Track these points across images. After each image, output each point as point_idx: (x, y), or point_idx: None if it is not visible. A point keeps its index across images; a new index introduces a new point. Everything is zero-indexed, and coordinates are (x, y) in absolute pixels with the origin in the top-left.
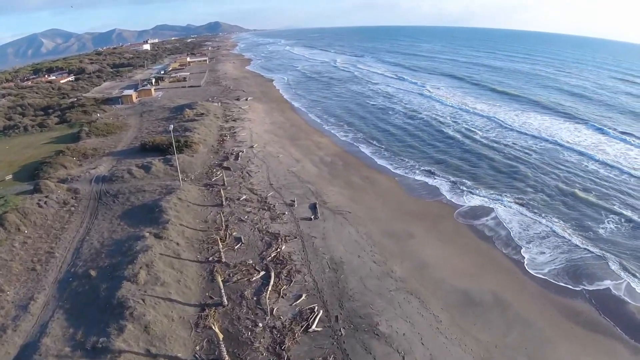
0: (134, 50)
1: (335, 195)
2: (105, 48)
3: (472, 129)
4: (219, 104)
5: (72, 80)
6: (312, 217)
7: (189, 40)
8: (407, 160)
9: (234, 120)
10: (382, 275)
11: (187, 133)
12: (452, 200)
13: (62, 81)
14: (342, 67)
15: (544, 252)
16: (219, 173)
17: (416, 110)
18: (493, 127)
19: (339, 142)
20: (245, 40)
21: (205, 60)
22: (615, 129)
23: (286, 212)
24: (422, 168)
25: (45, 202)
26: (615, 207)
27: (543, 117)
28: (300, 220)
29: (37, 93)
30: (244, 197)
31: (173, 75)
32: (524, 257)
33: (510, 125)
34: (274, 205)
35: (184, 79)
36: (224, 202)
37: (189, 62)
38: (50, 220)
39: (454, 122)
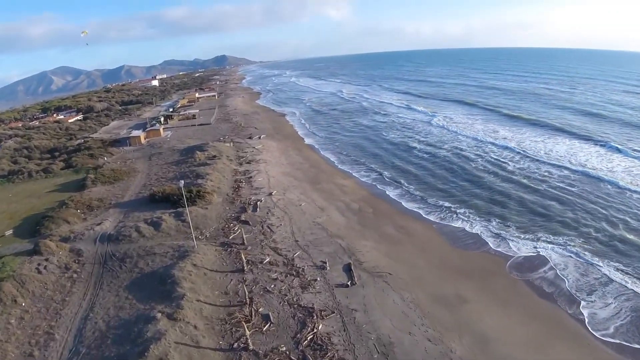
0: (142, 87)
1: (370, 252)
2: (114, 85)
3: (499, 162)
4: (231, 143)
5: (80, 120)
6: (348, 282)
7: (197, 74)
8: (438, 202)
9: (248, 163)
10: (440, 357)
11: (199, 180)
12: (500, 249)
13: (70, 120)
14: (350, 98)
15: (608, 305)
16: (236, 229)
17: (434, 144)
18: (519, 158)
19: (363, 184)
20: (253, 72)
21: (214, 96)
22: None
23: (318, 278)
24: (457, 212)
25: (45, 267)
26: None
27: (569, 141)
28: (335, 287)
29: (44, 134)
30: (268, 259)
31: (182, 112)
32: (584, 315)
33: (537, 156)
34: (303, 269)
35: (194, 117)
36: (245, 267)
37: (197, 98)
38: (50, 290)
39: (477, 155)
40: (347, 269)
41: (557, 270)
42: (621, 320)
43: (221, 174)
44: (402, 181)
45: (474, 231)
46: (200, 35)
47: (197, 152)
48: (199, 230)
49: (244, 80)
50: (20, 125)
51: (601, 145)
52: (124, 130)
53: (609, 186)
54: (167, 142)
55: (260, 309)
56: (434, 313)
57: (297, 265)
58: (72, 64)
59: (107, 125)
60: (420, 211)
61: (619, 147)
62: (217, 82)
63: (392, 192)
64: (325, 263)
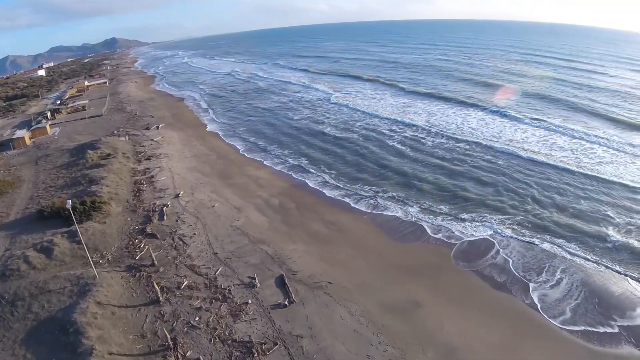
0: (28, 78)
1: (302, 258)
2: None
3: (415, 141)
4: (127, 137)
5: None
6: (285, 302)
7: (86, 60)
8: (364, 189)
9: (147, 159)
10: None
11: (93, 187)
12: (440, 237)
13: None
14: (247, 78)
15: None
16: (143, 246)
17: (343, 124)
18: (433, 135)
19: (279, 174)
20: (145, 54)
21: (105, 83)
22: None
23: (249, 300)
24: (386, 196)
25: None
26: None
27: (478, 115)
28: (272, 309)
29: None
30: (186, 282)
31: (70, 104)
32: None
33: (449, 132)
34: (230, 290)
35: (83, 108)
36: (160, 297)
37: (87, 86)
38: None
39: (391, 134)
40: (281, 283)
41: (504, 255)
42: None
43: (118, 176)
44: (321, 167)
45: (408, 218)
46: (89, 18)
47: (89, 151)
48: (98, 252)
49: (136, 64)
50: None
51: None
52: (7, 130)
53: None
54: (55, 141)
55: (188, 353)
56: (389, 325)
57: (222, 286)
58: None
59: None
60: (348, 200)
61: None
62: (108, 67)
63: (312, 181)
64: (254, 279)
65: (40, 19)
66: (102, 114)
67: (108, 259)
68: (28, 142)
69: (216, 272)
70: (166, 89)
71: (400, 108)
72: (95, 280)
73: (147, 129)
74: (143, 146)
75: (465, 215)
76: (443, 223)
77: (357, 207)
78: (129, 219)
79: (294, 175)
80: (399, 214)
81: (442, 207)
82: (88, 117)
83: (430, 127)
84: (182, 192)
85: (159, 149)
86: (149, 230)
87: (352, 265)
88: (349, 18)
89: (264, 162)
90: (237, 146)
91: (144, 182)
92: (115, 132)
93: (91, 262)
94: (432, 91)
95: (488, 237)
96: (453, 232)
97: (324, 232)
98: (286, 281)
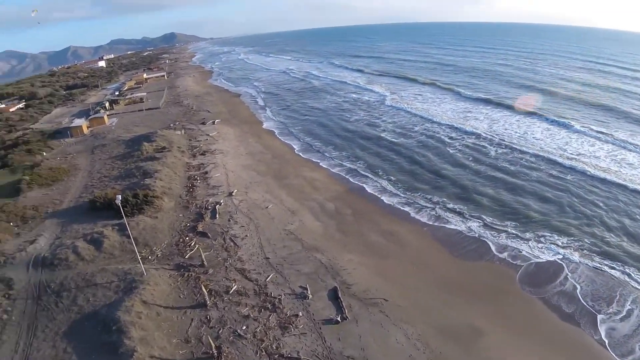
0: (88, 69)
1: (357, 270)
2: (59, 68)
3: (478, 149)
4: (182, 131)
5: (22, 108)
6: (338, 317)
7: (145, 53)
8: (423, 198)
9: (202, 154)
10: None
11: (147, 180)
12: (505, 256)
13: (11, 109)
14: (303, 77)
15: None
16: (193, 244)
17: (403, 126)
18: (497, 144)
19: (335, 176)
20: (203, 50)
21: (164, 76)
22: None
23: (300, 313)
24: (446, 207)
25: None
26: None
27: (543, 125)
28: (323, 325)
29: None
30: (235, 286)
31: (129, 96)
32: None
33: (514, 143)
34: (280, 300)
35: (141, 100)
36: (208, 301)
37: (145, 78)
38: None
39: (451, 140)
40: (334, 296)
41: (572, 281)
42: None
43: (172, 170)
44: (379, 172)
45: (471, 234)
46: (147, 12)
47: (145, 143)
48: (148, 247)
49: (194, 58)
50: None
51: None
52: (66, 118)
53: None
54: (112, 131)
55: None
56: (448, 354)
57: (272, 295)
58: (16, 48)
59: (50, 113)
60: (407, 209)
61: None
62: (167, 61)
63: (369, 187)
64: (306, 289)
65: (99, 11)
66: (159, 106)
67: (157, 255)
68: (85, 131)
69: (267, 278)
70: (223, 84)
71: (460, 114)
72: (143, 278)
73: (203, 123)
74: (198, 141)
75: (529, 235)
76: (508, 242)
77: (417, 217)
78: (180, 215)
79: (350, 179)
80: (461, 227)
81: (506, 223)
82: (145, 109)
83: (492, 135)
84: (235, 190)
85: (214, 145)
86: (200, 228)
87: (409, 282)
88: (404, 18)
89: (320, 164)
90: (293, 145)
91: (198, 178)
92: (172, 125)
93: (139, 258)
94: (493, 97)
95: (557, 260)
96: (519, 252)
97: (381, 243)
98: (340, 295)
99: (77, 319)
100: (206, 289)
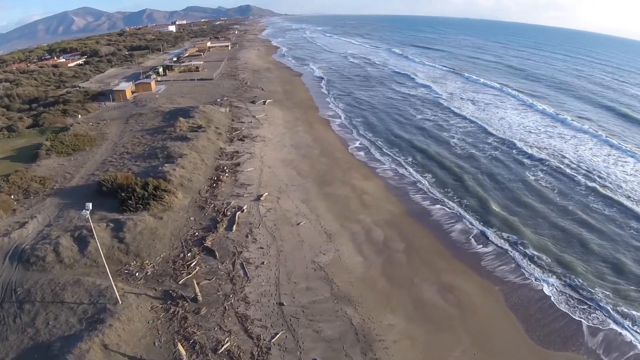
0: (157, 32)
1: (398, 344)
2: (130, 28)
3: (562, 179)
4: (227, 109)
5: (80, 65)
6: None
7: (218, 22)
8: (502, 236)
9: (240, 140)
10: None
11: (166, 166)
12: (600, 341)
13: (69, 65)
14: (379, 63)
15: None
16: (194, 265)
17: (475, 136)
18: (583, 174)
19: (393, 190)
20: (275, 24)
21: (228, 46)
22: None
23: None
24: (526, 253)
25: None
26: None
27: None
28: None
29: (35, 79)
30: (227, 343)
31: (186, 63)
32: None
33: (604, 177)
34: None
35: (197, 69)
36: None
37: (209, 47)
38: None
39: (532, 162)
40: None
41: None
42: None
43: (200, 155)
44: (453, 193)
45: (559, 303)
46: None
47: (181, 118)
48: (139, 260)
49: (264, 32)
50: (15, 68)
51: None
52: (116, 80)
53: None
54: (155, 99)
55: None
56: None
57: None
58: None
59: (103, 72)
60: (479, 250)
61: None
62: (236, 32)
63: (438, 213)
64: None
65: None
66: (212, 78)
67: (147, 273)
68: (129, 95)
69: (273, 338)
70: (286, 61)
71: (541, 131)
72: (116, 307)
73: (253, 102)
74: (241, 122)
75: (636, 312)
76: (608, 319)
77: (488, 267)
78: (192, 218)
79: (411, 197)
80: (547, 290)
81: (601, 289)
82: (197, 79)
83: (578, 164)
84: (266, 193)
85: (258, 130)
86: (208, 243)
87: None
88: (482, 14)
89: (376, 170)
90: (348, 142)
91: (227, 170)
92: (219, 100)
93: (114, 289)
94: (582, 117)
95: None
96: (623, 339)
97: (437, 303)
98: None
99: (28, 348)
100: (185, 349)
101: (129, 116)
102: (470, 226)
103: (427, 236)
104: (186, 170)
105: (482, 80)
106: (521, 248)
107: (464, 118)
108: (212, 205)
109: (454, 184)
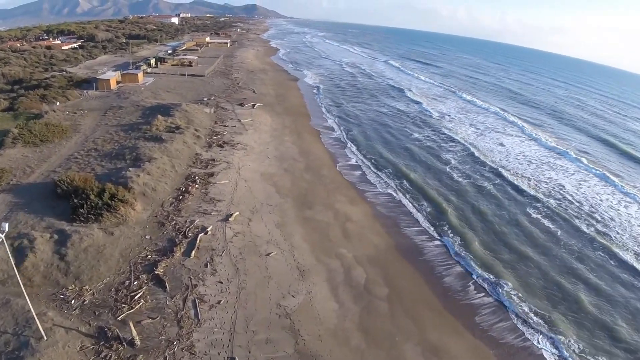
0: (159, 22)
1: None
2: (133, 16)
3: (567, 218)
4: (213, 110)
5: (74, 48)
6: None
7: (222, 19)
8: (498, 284)
9: (220, 146)
10: None
11: (131, 171)
12: None
13: (63, 47)
14: (377, 74)
15: None
16: (138, 298)
17: (474, 161)
18: (592, 218)
19: (381, 219)
20: (279, 26)
21: (227, 43)
22: None
23: None
24: (527, 311)
25: None
26: None
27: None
28: None
29: (25, 60)
30: None
31: (179, 57)
32: None
33: (616, 228)
34: None
35: (190, 64)
36: None
37: (207, 42)
38: None
39: (534, 198)
40: None
41: None
42: None
43: (172, 161)
44: (444, 226)
45: None
46: None
47: (159, 116)
48: (78, 284)
49: (267, 33)
50: (7, 46)
51: None
52: (105, 68)
53: None
54: (140, 92)
55: None
56: None
57: None
58: None
59: (95, 59)
60: (476, 301)
61: None
62: (238, 30)
63: (433, 251)
64: None
65: None
66: (204, 75)
67: (84, 301)
68: (113, 85)
69: None
70: (283, 64)
71: (544, 163)
72: (39, 345)
73: (241, 105)
74: (225, 126)
75: None
76: None
77: (484, 324)
78: (147, 237)
79: (401, 229)
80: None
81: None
82: (188, 75)
83: (591, 213)
84: (237, 213)
85: (241, 136)
86: (160, 271)
87: None
88: (487, 35)
89: (365, 194)
90: (338, 158)
91: (198, 180)
92: (205, 99)
93: (38, 323)
94: (588, 154)
95: None
96: None
97: None
98: None
99: None
100: None
101: (109, 108)
102: (466, 266)
103: (415, 280)
104: (152, 177)
105: (482, 102)
106: (517, 302)
107: (462, 145)
108: (174, 222)
109: (454, 217)
